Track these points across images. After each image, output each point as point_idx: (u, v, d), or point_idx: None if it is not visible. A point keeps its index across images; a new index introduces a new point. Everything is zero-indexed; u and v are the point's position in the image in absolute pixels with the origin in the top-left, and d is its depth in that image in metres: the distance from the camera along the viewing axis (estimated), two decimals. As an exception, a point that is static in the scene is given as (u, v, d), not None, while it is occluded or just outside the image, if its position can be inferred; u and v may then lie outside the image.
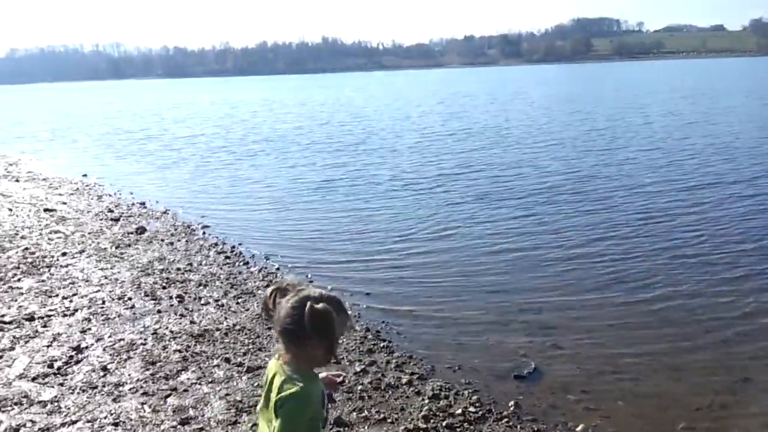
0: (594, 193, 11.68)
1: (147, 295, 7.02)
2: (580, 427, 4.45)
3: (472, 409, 4.70)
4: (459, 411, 4.66)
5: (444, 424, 4.50)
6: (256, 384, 5.04)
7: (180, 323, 6.27)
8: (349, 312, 2.49)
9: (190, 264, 8.20)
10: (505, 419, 4.58)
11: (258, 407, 2.62)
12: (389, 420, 4.55)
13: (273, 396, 2.31)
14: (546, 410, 4.73)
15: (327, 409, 2.44)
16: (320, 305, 2.25)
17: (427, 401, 4.81)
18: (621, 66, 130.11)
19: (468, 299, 6.91)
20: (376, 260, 8.38)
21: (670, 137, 19.00)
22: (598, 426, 4.48)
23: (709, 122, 22.90)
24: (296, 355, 2.33)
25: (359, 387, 5.01)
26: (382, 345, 5.83)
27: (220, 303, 6.82)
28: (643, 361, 5.40)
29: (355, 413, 4.64)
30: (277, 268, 8.07)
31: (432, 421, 4.53)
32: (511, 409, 4.71)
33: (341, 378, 2.74)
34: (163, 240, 9.44)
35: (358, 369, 5.31)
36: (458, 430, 4.44)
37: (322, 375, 2.55)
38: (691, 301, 6.56)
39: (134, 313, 6.53)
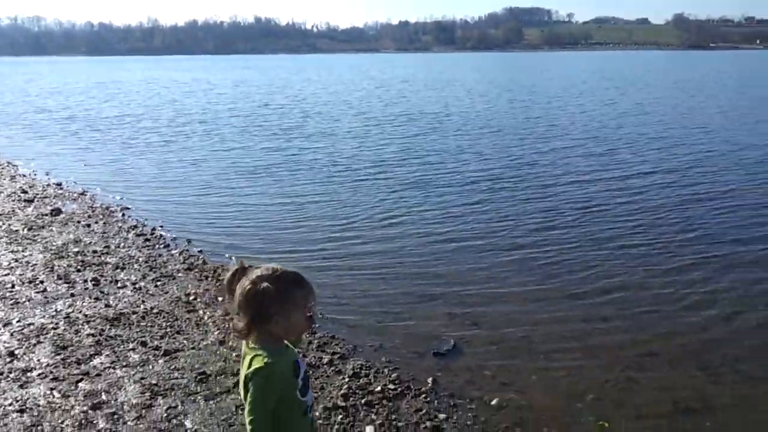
0: (530, 181, 11.82)
1: (60, 279, 6.76)
2: (494, 401, 4.57)
3: (391, 386, 4.75)
4: (378, 388, 4.71)
5: (363, 401, 4.53)
6: (173, 367, 4.95)
7: (94, 307, 6.07)
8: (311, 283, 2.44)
9: (107, 246, 7.93)
10: (423, 395, 4.65)
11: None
12: (308, 399, 4.54)
13: (243, 372, 2.32)
14: (463, 386, 4.83)
15: (305, 376, 2.43)
16: (276, 284, 2.26)
17: (347, 380, 4.84)
18: (552, 55, 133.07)
19: (393, 282, 6.96)
20: (304, 245, 8.33)
21: (606, 126, 19.54)
22: (512, 399, 4.61)
23: (642, 112, 23.66)
24: (260, 332, 2.33)
25: (279, 367, 4.97)
26: (304, 326, 5.80)
27: (137, 286, 6.64)
28: (558, 338, 5.58)
29: (273, 393, 4.61)
30: (200, 251, 7.90)
31: (351, 399, 4.56)
32: (429, 385, 4.79)
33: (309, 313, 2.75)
34: (79, 222, 9.08)
35: (278, 350, 5.27)
36: (377, 406, 4.48)
37: None
38: (606, 282, 6.80)
39: (46, 297, 6.27)
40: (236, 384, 4.61)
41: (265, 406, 2.25)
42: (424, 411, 4.43)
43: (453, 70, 67.11)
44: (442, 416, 4.37)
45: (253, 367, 2.25)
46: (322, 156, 14.92)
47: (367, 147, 16.09)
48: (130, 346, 5.30)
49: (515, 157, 14.25)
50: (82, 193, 11.05)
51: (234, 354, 5.09)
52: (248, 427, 2.25)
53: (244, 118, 23.24)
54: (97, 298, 6.27)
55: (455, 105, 27.41)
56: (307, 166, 13.72)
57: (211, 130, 20.19)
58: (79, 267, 7.13)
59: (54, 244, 7.97)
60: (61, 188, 11.51)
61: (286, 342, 2.40)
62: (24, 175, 12.86)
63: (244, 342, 2.39)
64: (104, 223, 9.10)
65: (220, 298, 6.24)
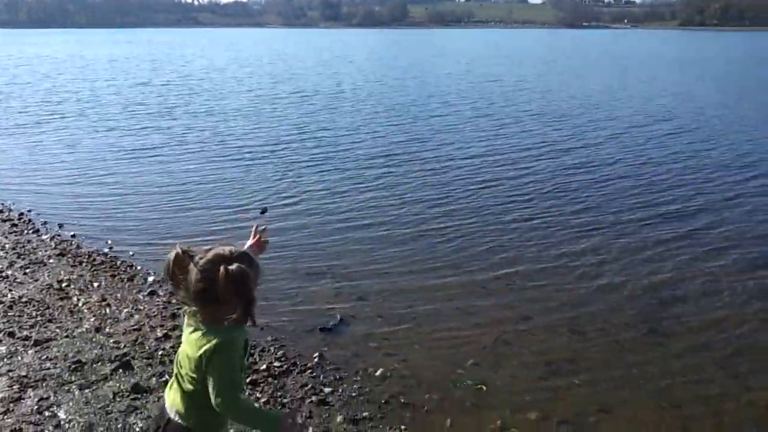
0: (419, 157, 11.94)
1: None
2: (378, 372, 4.68)
3: (276, 363, 4.75)
4: (264, 367, 4.70)
5: (248, 380, 4.50)
6: (44, 357, 4.69)
7: (-45, 298, 5.63)
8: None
9: (-30, 234, 7.37)
10: (309, 370, 4.69)
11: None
12: (191, 382, 4.45)
13: (190, 356, 2.23)
14: (349, 359, 4.91)
15: (248, 356, 2.38)
16: (234, 266, 2.16)
17: (231, 360, 4.78)
18: (436, 32, 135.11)
19: (279, 260, 6.91)
20: (187, 228, 8.09)
21: (494, 103, 20.07)
22: (396, 369, 4.74)
23: (528, 89, 24.36)
24: (214, 316, 2.23)
25: (160, 352, 4.85)
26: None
27: (3, 275, 6.21)
28: (440, 308, 5.78)
29: (155, 378, 4.48)
30: (73, 236, 7.49)
31: (236, 379, 4.51)
32: (316, 360, 4.83)
33: (264, 238, 2.72)
34: (-65, 208, 8.37)
35: (159, 334, 5.13)
36: (262, 384, 4.47)
37: (248, 244, 2.60)
38: (486, 253, 7.10)
39: None
40: (114, 370, 4.46)
41: (236, 375, 2.22)
42: (309, 386, 4.47)
43: (343, 47, 66.70)
44: (327, 390, 4.43)
45: (212, 343, 2.18)
46: (210, 135, 14.35)
47: (258, 126, 15.70)
48: (-4, 337, 4.98)
49: (408, 134, 14.36)
50: (-63, 178, 10.17)
51: (111, 340, 4.91)
52: (225, 405, 2.19)
53: (124, 96, 21.95)
54: (-43, 289, 5.82)
55: (347, 83, 27.22)
56: (194, 146, 13.17)
57: (88, 109, 18.91)
58: (-65, 257, 6.58)
59: None
60: None
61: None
62: None
63: (192, 320, 2.29)
64: (-35, 209, 8.44)
65: (172, 290, 5.97)
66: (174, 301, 5.80)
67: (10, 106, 19.97)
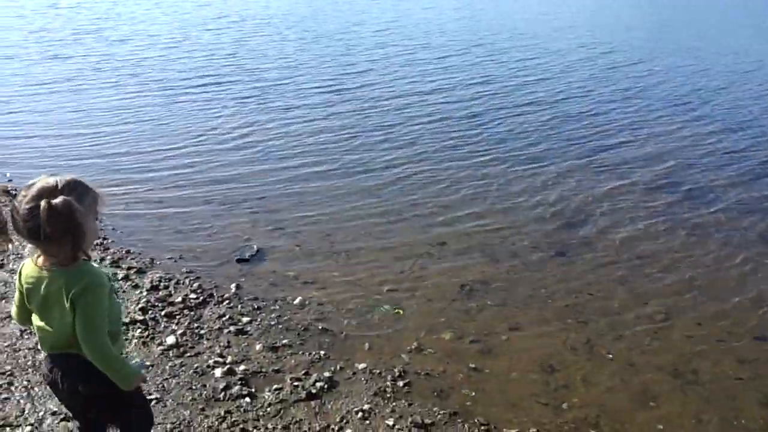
0: (346, 85, 11.58)
1: None
2: (297, 300, 4.71)
3: (192, 295, 4.69)
4: (179, 299, 4.62)
5: (163, 313, 4.43)
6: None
7: None
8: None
9: None
10: (227, 301, 4.66)
11: (16, 316, 2.42)
12: (103, 317, 4.34)
13: (60, 299, 2.15)
14: (267, 288, 4.91)
15: (113, 281, 2.38)
16: (58, 199, 2.02)
17: (145, 293, 4.68)
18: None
19: (189, 189, 6.73)
20: (84, 153, 7.69)
21: (432, 33, 19.64)
22: (313, 297, 4.78)
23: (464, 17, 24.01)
24: (54, 254, 2.14)
25: (68, 287, 4.67)
26: (95, 243, 5.46)
27: None
28: (357, 236, 5.83)
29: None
30: (10, 181, 6.97)
31: (150, 312, 4.44)
32: (233, 291, 4.80)
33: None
34: None
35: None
36: (178, 317, 4.41)
37: None
38: (401, 180, 7.15)
39: None
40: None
41: (103, 316, 2.19)
42: (227, 317, 4.45)
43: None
44: (245, 319, 4.42)
45: (80, 284, 2.12)
46: (133, 65, 12.78)
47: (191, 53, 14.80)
48: None
49: (304, 60, 13.84)
50: None
51: (15, 277, 4.66)
52: (92, 346, 2.17)
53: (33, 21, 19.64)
54: None
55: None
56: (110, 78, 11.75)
57: None
58: None
59: None
60: None
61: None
62: None
63: (32, 266, 2.21)
64: None
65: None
66: None
67: None
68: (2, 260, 4.99)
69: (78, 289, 2.13)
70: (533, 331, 4.48)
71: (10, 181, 6.70)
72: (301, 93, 10.83)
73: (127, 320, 4.28)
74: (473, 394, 3.77)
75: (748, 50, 15.92)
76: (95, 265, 2.30)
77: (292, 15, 19.98)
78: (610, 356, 4.24)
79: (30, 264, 2.24)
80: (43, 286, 2.20)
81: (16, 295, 2.35)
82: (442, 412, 3.57)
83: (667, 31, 19.82)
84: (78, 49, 13.93)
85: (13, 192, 2.14)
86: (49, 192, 2.05)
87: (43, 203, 2.01)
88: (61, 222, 2.03)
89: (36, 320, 2.31)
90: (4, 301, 4.42)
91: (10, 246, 2.22)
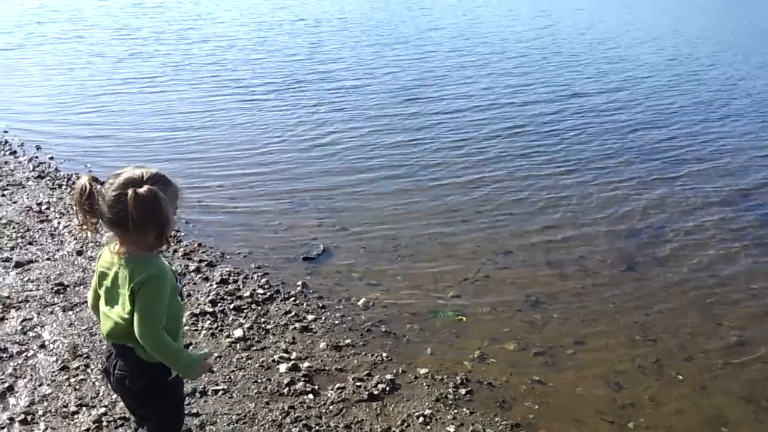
0: (401, 86, 11.72)
1: None
2: (361, 301, 4.75)
3: (260, 291, 4.79)
4: (247, 293, 4.73)
5: (231, 306, 4.54)
6: (26, 279, 4.68)
7: (-70, 218, 5.55)
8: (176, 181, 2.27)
9: (-57, 154, 7.19)
10: (293, 298, 4.74)
11: (91, 301, 2.48)
12: (175, 306, 4.48)
13: (123, 289, 2.23)
14: (332, 288, 4.96)
15: (179, 281, 2.41)
16: (144, 189, 2.11)
17: (215, 286, 4.81)
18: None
19: (260, 188, 6.88)
20: (161, 147, 7.98)
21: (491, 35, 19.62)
22: (377, 299, 4.81)
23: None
24: (132, 242, 2.23)
25: (143, 276, 4.84)
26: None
27: (-20, 196, 6.12)
28: (422, 240, 5.83)
29: (138, 302, 4.50)
30: (51, 158, 7.35)
31: (220, 304, 4.56)
32: (299, 288, 4.87)
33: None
34: None
35: (142, 258, 5.11)
36: (246, 310, 4.52)
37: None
38: (466, 185, 7.11)
39: None
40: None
41: (160, 310, 2.22)
42: (293, 313, 4.52)
43: None
44: (310, 317, 4.48)
45: (143, 275, 2.18)
46: (212, 65, 13.09)
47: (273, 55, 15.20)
48: (-24, 259, 4.94)
49: (380, 65, 14.02)
50: None
51: (93, 264, 4.87)
52: (147, 338, 2.21)
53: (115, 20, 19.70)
54: (-68, 209, 5.73)
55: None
56: (191, 80, 11.88)
57: (75, 31, 16.48)
58: None
59: None
60: None
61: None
62: None
63: (109, 253, 2.30)
64: (-63, 128, 8.20)
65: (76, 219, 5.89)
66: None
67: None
68: (81, 247, 5.22)
69: (141, 279, 2.19)
70: (600, 347, 4.37)
71: (90, 171, 7.01)
72: (374, 98, 10.88)
73: (197, 311, 4.42)
74: (536, 407, 3.71)
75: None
76: (165, 260, 2.36)
77: (368, 19, 20.11)
78: (680, 378, 4.09)
79: (107, 251, 2.32)
80: (113, 273, 2.28)
81: (93, 280, 2.45)
82: (504, 422, 3.53)
83: (756, 42, 19.04)
84: (159, 48, 14.44)
85: (102, 181, 2.24)
86: (135, 182, 2.15)
87: (130, 191, 2.10)
88: (148, 210, 2.12)
89: (101, 306, 2.38)
90: (82, 287, 4.62)
91: (89, 233, 2.28)
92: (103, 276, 2.33)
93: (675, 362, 4.25)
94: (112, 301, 2.31)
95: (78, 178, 2.41)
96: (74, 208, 2.23)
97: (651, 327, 4.64)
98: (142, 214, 2.12)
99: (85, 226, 2.25)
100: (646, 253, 5.74)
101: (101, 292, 2.36)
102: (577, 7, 24.86)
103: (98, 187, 2.18)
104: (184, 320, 2.47)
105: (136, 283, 2.19)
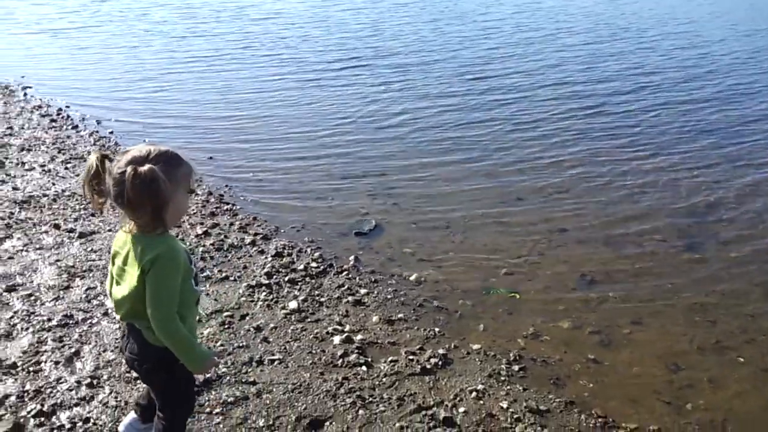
0: (458, 63, 11.58)
1: (-41, 161, 6.35)
2: (413, 277, 4.76)
3: (314, 264, 4.84)
4: (301, 267, 4.79)
5: (286, 279, 4.61)
6: (89, 249, 4.84)
7: (1, 190, 5.77)
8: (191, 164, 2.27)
9: (11, 128, 7.46)
10: (345, 272, 4.78)
11: (108, 287, 2.47)
12: (232, 278, 4.59)
13: (132, 268, 2.22)
14: (384, 262, 4.99)
15: (194, 264, 2.40)
16: (144, 168, 2.08)
17: (270, 259, 4.89)
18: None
19: (313, 162, 6.94)
20: (219, 123, 8.11)
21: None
22: (429, 275, 4.81)
23: None
24: (134, 219, 2.21)
25: (201, 249, 4.97)
26: (225, 208, 5.77)
27: (46, 168, 6.33)
28: (474, 216, 5.79)
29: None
30: (111, 132, 7.56)
31: (275, 277, 4.63)
32: (351, 263, 4.91)
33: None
34: (-25, 101, 8.45)
35: (199, 231, 5.24)
36: (300, 283, 4.58)
37: None
38: (520, 163, 7.01)
39: (-55, 180, 5.91)
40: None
41: (172, 293, 2.20)
42: (346, 287, 4.56)
43: None
44: (363, 291, 4.52)
45: (152, 255, 2.16)
46: (272, 43, 13.18)
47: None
48: (43, 229, 5.13)
49: (441, 42, 13.91)
50: (-25, 72, 10.20)
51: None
52: (157, 320, 2.19)
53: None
54: (3, 181, 5.96)
55: None
56: (250, 59, 12.00)
57: (137, 9, 16.64)
58: (-21, 149, 6.71)
59: (-51, 124, 7.42)
60: (-48, 65, 10.58)
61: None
62: None
63: (122, 233, 2.29)
64: (4, 103, 8.51)
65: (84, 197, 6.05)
66: (212, 199, 5.90)
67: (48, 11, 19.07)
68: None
69: (150, 257, 2.16)
70: (657, 327, 4.29)
71: (111, 133, 7.26)
72: (439, 76, 10.75)
73: (253, 283, 4.50)
74: (591, 385, 3.67)
75: None
76: (180, 241, 2.33)
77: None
78: (741, 360, 3.98)
79: (121, 231, 2.31)
80: (124, 253, 2.26)
81: (110, 263, 2.43)
82: (557, 400, 3.50)
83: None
84: (219, 26, 14.59)
85: (112, 158, 2.24)
86: (139, 160, 2.11)
87: (128, 169, 2.07)
88: (143, 189, 2.07)
89: (114, 284, 2.36)
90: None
91: (102, 210, 2.28)
92: (116, 256, 2.33)
93: (735, 344, 4.13)
94: (122, 278, 2.30)
95: (88, 155, 2.41)
96: (83, 187, 2.23)
97: (711, 308, 4.51)
98: (137, 193, 2.08)
99: (92, 206, 2.24)
100: (707, 234, 5.58)
101: (114, 271, 2.35)
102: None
103: (108, 165, 2.17)
104: (200, 310, 2.40)
105: (146, 262, 2.16)
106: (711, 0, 20.01)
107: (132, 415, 2.89)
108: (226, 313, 4.13)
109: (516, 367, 3.76)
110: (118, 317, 2.44)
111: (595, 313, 4.42)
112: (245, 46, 12.71)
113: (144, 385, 2.88)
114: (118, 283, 2.33)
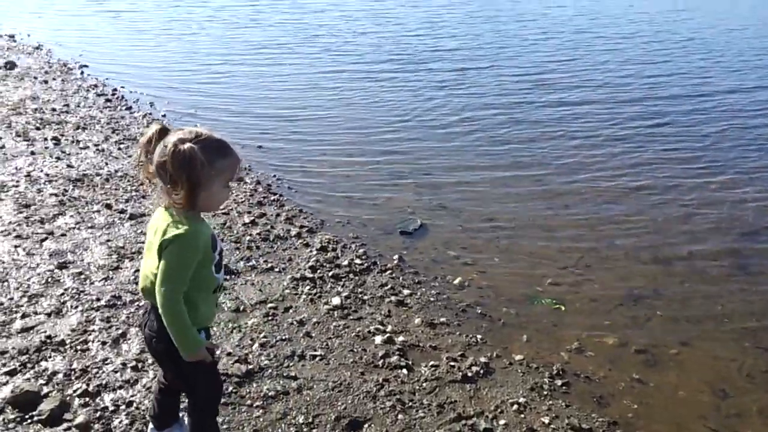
0: (505, 67, 11.52)
1: (19, 136, 6.52)
2: (457, 280, 4.72)
3: (358, 261, 4.84)
4: (345, 262, 4.79)
5: (330, 274, 4.62)
6: (139, 231, 4.93)
7: (56, 166, 5.92)
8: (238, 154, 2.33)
9: (67, 105, 7.64)
10: (389, 271, 4.76)
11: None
12: (277, 269, 4.62)
13: (157, 242, 2.24)
14: (427, 264, 4.96)
15: (220, 252, 2.40)
16: (185, 146, 2.11)
17: (315, 252, 4.90)
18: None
19: (361, 158, 6.94)
20: (270, 113, 8.16)
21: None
22: (473, 279, 4.76)
23: None
24: (175, 196, 2.21)
25: (247, 238, 5.01)
26: (272, 198, 5.81)
27: (100, 148, 6.46)
28: (520, 222, 5.72)
29: (242, 262, 4.67)
30: (163, 115, 7.69)
31: (319, 271, 4.64)
32: (395, 262, 4.90)
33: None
34: (36, 78, 8.68)
35: (247, 220, 5.29)
36: (343, 279, 4.58)
37: None
38: (570, 171, 6.90)
39: (4, 154, 6.07)
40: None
41: (183, 273, 2.21)
42: (389, 286, 4.55)
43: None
44: (406, 292, 4.50)
45: (172, 233, 2.18)
46: (328, 37, 13.44)
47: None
48: (95, 208, 5.24)
49: (499, 44, 13.83)
50: (37, 47, 10.48)
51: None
52: (161, 295, 2.20)
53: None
54: (58, 158, 6.10)
55: None
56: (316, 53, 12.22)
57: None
58: (38, 125, 6.88)
59: (10, 99, 7.62)
60: (14, 41, 10.88)
61: (202, 215, 2.33)
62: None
63: (160, 208, 2.32)
64: (62, 80, 8.73)
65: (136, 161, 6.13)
66: (260, 189, 5.94)
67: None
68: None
69: (170, 237, 2.18)
70: (706, 350, 4.16)
71: (164, 116, 7.35)
72: (489, 77, 10.66)
73: (297, 276, 4.52)
74: (635, 406, 3.59)
75: None
76: (205, 226, 2.31)
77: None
78: (793, 392, 3.85)
79: (159, 208, 2.35)
80: (155, 226, 2.30)
81: None
82: (600, 419, 3.43)
83: None
84: (276, 16, 14.73)
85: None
86: (187, 139, 2.16)
87: (170, 145, 2.13)
88: (181, 165, 2.12)
89: (143, 259, 2.41)
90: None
91: (147, 187, 2.33)
92: (149, 230, 2.37)
93: (789, 376, 3.99)
94: (148, 255, 2.34)
95: (141, 136, 2.44)
96: (138, 150, 2.29)
97: (762, 334, 4.36)
98: (174, 168, 2.12)
99: (141, 173, 2.30)
100: (759, 252, 5.41)
101: (145, 245, 2.39)
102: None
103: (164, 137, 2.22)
104: (221, 299, 2.38)
105: (165, 240, 2.19)
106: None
107: (150, 426, 2.87)
108: (270, 305, 4.15)
109: (559, 382, 3.69)
110: (139, 289, 2.47)
111: (641, 330, 4.32)
112: (303, 38, 12.77)
113: (152, 396, 2.89)
114: (145, 259, 2.37)
